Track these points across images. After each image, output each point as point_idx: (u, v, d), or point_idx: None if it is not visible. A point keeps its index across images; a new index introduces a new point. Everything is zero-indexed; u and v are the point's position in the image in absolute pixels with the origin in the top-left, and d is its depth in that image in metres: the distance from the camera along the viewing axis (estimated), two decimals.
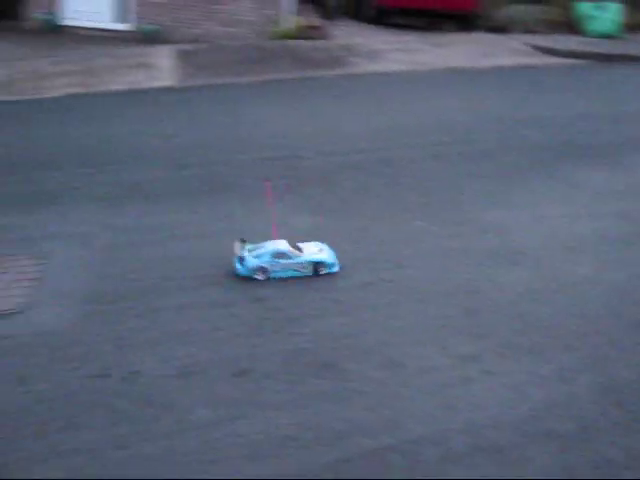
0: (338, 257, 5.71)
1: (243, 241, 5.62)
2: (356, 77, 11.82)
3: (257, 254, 5.50)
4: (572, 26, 15.87)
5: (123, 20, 14.74)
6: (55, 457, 3.84)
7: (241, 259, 5.49)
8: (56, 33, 14.16)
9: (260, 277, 5.49)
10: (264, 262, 5.46)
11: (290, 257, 5.52)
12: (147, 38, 14.08)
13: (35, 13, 14.45)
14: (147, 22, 14.41)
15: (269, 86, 11.10)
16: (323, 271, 5.57)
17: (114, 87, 10.71)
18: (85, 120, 9.45)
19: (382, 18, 16.17)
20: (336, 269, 5.63)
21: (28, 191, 7.17)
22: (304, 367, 4.53)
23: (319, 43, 13.93)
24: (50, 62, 11.88)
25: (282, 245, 5.54)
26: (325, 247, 5.73)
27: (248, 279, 5.47)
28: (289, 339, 4.81)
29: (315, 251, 5.65)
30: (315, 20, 15.28)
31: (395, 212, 6.79)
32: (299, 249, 5.61)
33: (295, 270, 5.54)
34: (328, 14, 16.24)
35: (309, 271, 5.55)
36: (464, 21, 16.05)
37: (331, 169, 7.81)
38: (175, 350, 4.67)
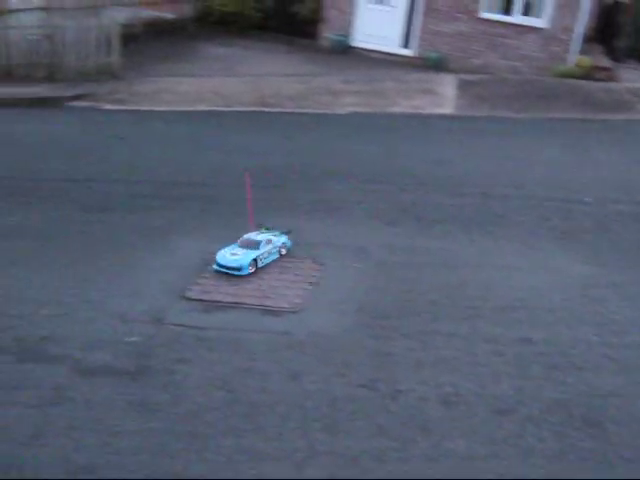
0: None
1: (267, 229, 6.31)
2: None
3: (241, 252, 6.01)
4: None
5: (408, 46, 15.23)
6: (313, 456, 4.05)
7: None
8: (346, 53, 15.00)
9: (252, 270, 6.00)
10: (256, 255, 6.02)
11: (272, 241, 6.18)
12: (430, 65, 14.43)
13: (329, 34, 15.40)
14: (430, 49, 14.77)
15: (548, 124, 10.87)
16: (284, 252, 6.30)
17: (397, 109, 11.11)
18: (367, 137, 9.88)
19: None
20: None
21: (312, 199, 7.64)
22: (568, 418, 4.39)
23: (605, 85, 13.40)
24: (341, 80, 12.61)
25: (260, 236, 6.15)
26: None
27: None
28: (554, 387, 4.67)
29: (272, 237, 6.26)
30: (602, 60, 14.75)
31: None
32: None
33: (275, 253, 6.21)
34: (616, 55, 15.58)
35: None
36: None
37: (608, 217, 7.48)
38: (439, 376, 4.73)
